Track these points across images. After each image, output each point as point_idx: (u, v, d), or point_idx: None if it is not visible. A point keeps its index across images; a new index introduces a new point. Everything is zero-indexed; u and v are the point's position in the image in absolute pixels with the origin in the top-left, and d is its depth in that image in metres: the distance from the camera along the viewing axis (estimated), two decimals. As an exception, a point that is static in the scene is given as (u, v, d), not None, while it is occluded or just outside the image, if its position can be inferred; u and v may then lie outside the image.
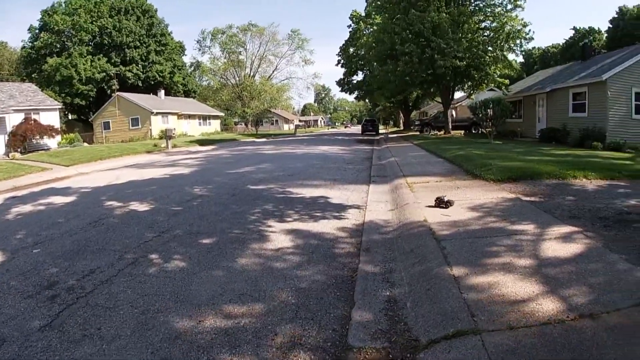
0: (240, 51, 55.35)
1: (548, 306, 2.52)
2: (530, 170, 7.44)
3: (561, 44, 48.02)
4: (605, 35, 40.43)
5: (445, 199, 5.38)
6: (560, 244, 3.68)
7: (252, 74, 56.32)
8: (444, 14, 21.68)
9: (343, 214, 5.78)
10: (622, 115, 16.70)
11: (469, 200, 5.69)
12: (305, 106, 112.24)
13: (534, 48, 51.53)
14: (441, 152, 12.47)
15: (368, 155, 15.34)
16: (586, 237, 3.87)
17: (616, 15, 38.37)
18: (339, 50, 45.01)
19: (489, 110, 18.31)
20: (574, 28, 45.56)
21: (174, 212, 6.13)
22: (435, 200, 5.45)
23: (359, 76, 45.10)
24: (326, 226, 5.11)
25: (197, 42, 62.35)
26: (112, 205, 6.80)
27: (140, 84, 44.18)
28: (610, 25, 39.20)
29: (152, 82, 45.05)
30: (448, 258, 3.48)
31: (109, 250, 4.37)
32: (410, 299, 3.01)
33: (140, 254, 4.20)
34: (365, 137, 31.78)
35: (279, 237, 4.69)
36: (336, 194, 7.19)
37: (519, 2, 22.98)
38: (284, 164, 12.33)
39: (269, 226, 5.15)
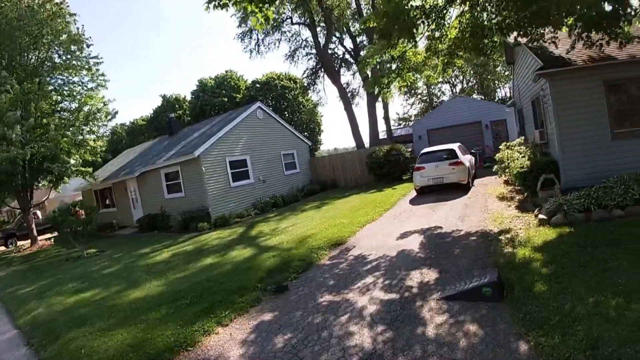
0: None
1: None
2: (154, 353, 4.63)
3: (149, 114, 44.76)
4: (189, 104, 41.72)
5: None
6: None
7: None
8: (8, 94, 16.36)
9: None
10: (221, 187, 16.11)
11: None
12: None
13: (119, 124, 46.99)
14: (18, 309, 7.99)
15: None
16: None
17: (196, 88, 41.06)
18: None
19: (70, 217, 14.36)
20: (163, 96, 44.24)
21: None
22: None
23: None
24: None
25: None
26: None
27: None
28: (193, 96, 41.18)
29: None
30: None
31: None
32: None
33: None
34: None
35: None
36: None
37: (100, 80, 20.31)
38: None
39: None
